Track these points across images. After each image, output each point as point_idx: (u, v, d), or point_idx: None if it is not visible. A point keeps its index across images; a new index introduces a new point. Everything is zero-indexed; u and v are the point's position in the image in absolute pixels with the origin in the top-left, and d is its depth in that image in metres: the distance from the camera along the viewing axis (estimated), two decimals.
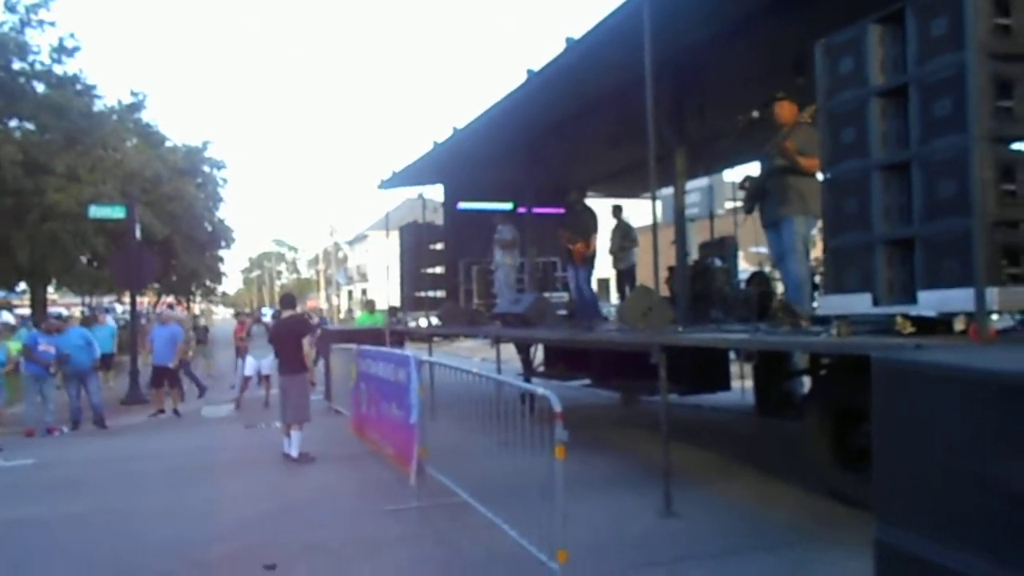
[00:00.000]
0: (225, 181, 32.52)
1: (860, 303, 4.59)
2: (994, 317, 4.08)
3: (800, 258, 6.29)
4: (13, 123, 18.67)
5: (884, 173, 4.53)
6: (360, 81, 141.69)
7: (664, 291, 9.26)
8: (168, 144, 27.54)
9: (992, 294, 3.89)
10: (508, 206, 13.29)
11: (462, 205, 14.23)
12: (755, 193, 6.63)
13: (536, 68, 7.89)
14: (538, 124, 9.89)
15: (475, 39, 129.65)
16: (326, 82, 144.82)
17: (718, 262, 9.31)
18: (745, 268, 12.06)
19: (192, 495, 7.19)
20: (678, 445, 6.31)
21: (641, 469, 7.19)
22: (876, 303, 4.52)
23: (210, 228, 31.54)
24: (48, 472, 8.72)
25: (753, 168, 7.25)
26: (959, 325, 4.19)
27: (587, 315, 9.64)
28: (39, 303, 23.51)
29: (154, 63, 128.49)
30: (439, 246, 14.19)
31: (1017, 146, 4.30)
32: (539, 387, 4.72)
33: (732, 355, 10.53)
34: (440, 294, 14.05)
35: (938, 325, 4.35)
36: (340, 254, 62.53)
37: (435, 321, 13.31)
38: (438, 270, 14.24)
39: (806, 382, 7.49)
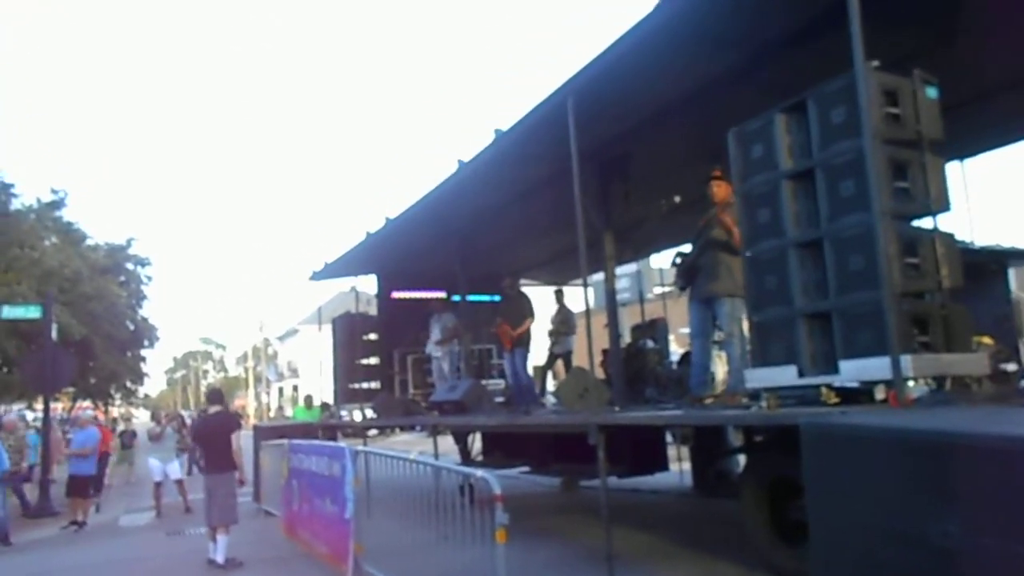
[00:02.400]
0: (150, 279, 31.66)
1: (786, 375, 4.76)
2: (910, 384, 4.29)
3: (736, 340, 6.48)
4: None
5: (799, 250, 4.80)
6: (289, 172, 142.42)
7: (600, 373, 9.37)
8: (90, 242, 26.85)
9: (907, 361, 4.10)
10: (442, 294, 13.36)
11: (396, 295, 14.24)
12: (687, 270, 6.87)
13: (466, 158, 8.14)
14: (470, 212, 10.10)
15: (407, 128, 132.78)
16: (253, 174, 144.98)
17: (650, 343, 9.53)
18: (676, 350, 12.36)
19: None
20: (620, 529, 6.27)
21: (584, 555, 7.06)
22: (801, 374, 4.70)
23: (132, 327, 30.47)
24: None
25: (684, 249, 7.52)
26: (879, 395, 4.39)
27: (524, 400, 9.64)
28: None
29: (76, 161, 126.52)
30: (373, 336, 14.06)
31: (917, 223, 4.66)
32: (477, 470, 4.66)
33: (669, 438, 10.66)
34: (375, 385, 13.83)
35: (861, 395, 4.54)
36: (270, 350, 61.10)
37: (370, 414, 13.04)
38: (372, 361, 14.06)
39: (742, 460, 7.61)
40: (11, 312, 14.74)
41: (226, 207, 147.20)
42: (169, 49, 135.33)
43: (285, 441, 9.43)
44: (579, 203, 6.36)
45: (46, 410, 15.77)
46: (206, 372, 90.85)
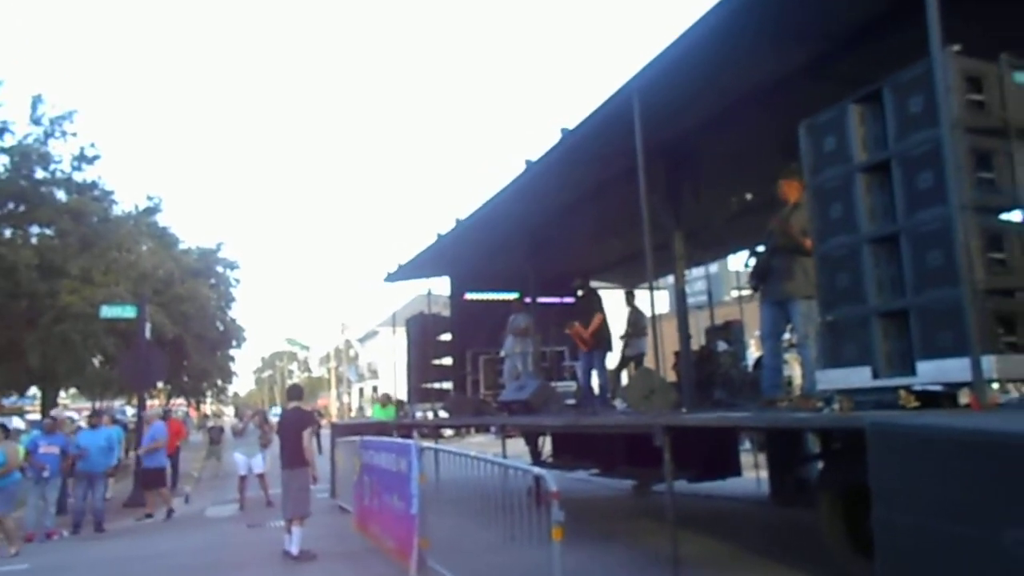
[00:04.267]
0: (238, 281, 33.02)
1: (859, 376, 4.55)
2: (995, 386, 4.03)
3: (811, 343, 6.24)
4: (33, 229, 19.24)
5: (874, 246, 4.58)
6: (369, 177, 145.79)
7: (671, 376, 9.19)
8: (182, 246, 28.21)
9: (990, 362, 3.86)
10: (514, 295, 13.40)
11: (468, 296, 14.37)
12: (760, 271, 6.67)
13: (534, 158, 8.14)
14: (539, 213, 10.10)
15: (478, 129, 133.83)
16: (336, 179, 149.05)
17: (724, 346, 9.29)
18: (754, 353, 12.00)
19: None
20: (690, 535, 6.13)
21: (650, 560, 6.94)
22: (876, 376, 4.48)
23: (222, 328, 31.79)
24: None
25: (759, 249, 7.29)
26: (964, 398, 4.14)
27: (596, 402, 9.54)
28: (49, 407, 23.50)
29: (170, 169, 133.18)
30: (446, 337, 14.23)
31: (1005, 216, 4.38)
32: (536, 468, 4.64)
33: (747, 444, 10.35)
34: (447, 385, 14.00)
35: (943, 399, 4.29)
36: (351, 352, 62.67)
37: (442, 413, 13.20)
38: (445, 361, 14.24)
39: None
40: (109, 311, 15.65)
41: (310, 211, 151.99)
42: (253, 60, 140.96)
43: (357, 438, 9.63)
44: (645, 202, 6.27)
45: (140, 405, 16.63)
46: (291, 372, 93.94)
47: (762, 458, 9.92)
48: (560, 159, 7.85)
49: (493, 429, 19.49)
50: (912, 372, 4.27)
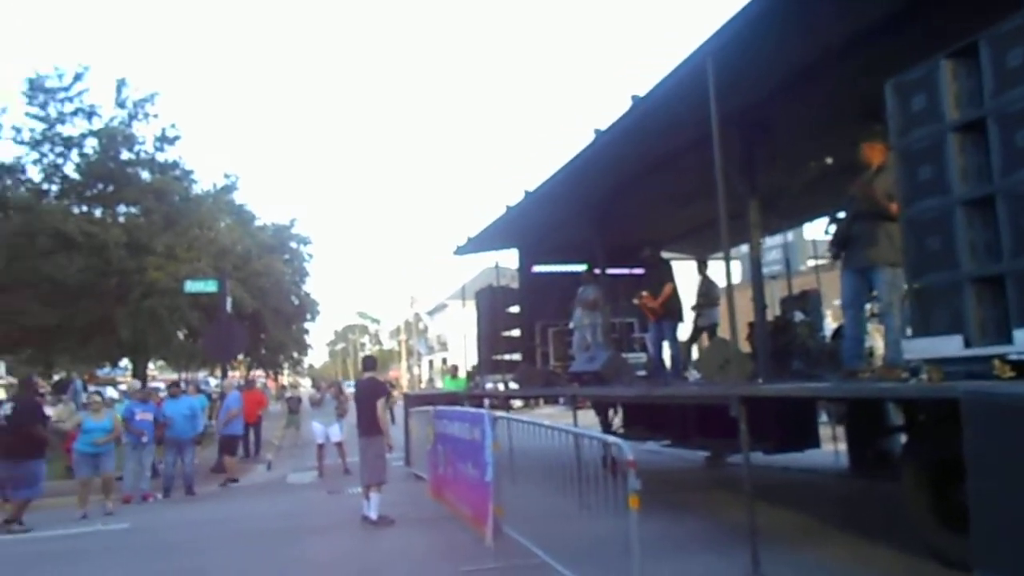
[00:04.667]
0: (311, 256, 33.92)
1: (950, 345, 4.37)
2: None
3: (895, 311, 6.02)
4: (121, 208, 20.15)
5: (967, 209, 4.36)
6: (440, 150, 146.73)
7: (745, 347, 9.02)
8: (258, 223, 29.07)
9: None
10: (582, 267, 13.34)
11: (536, 268, 14.38)
12: (841, 238, 6.44)
13: (602, 127, 8.03)
14: (607, 184, 9.98)
15: (549, 100, 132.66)
16: (407, 152, 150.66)
17: (800, 316, 9.04)
18: (831, 324, 11.65)
19: (277, 557, 7.29)
20: (766, 506, 6.05)
21: (726, 531, 6.87)
22: (968, 345, 4.29)
23: (297, 302, 32.77)
24: (140, 536, 9.02)
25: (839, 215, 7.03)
26: None
27: (670, 372, 9.45)
28: (140, 378, 24.73)
29: (244, 146, 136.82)
30: (515, 309, 14.30)
31: None
32: (611, 436, 4.63)
33: (824, 417, 10.10)
34: (516, 357, 14.09)
35: None
36: (420, 324, 63.68)
37: (512, 384, 13.32)
38: (514, 333, 14.32)
39: (903, 440, 7.09)
40: (193, 286, 16.34)
41: (380, 186, 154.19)
42: (323, 35, 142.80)
43: (430, 408, 9.81)
44: (720, 170, 6.10)
45: (223, 376, 17.39)
46: (363, 345, 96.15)
47: (839, 430, 9.69)
48: (630, 128, 7.71)
49: (561, 400, 19.55)
50: (1008, 341, 4.07)
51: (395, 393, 27.58)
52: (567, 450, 5.63)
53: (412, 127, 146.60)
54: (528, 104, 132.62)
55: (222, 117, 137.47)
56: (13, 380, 34.00)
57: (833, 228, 6.58)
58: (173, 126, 20.83)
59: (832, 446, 9.59)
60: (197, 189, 23.63)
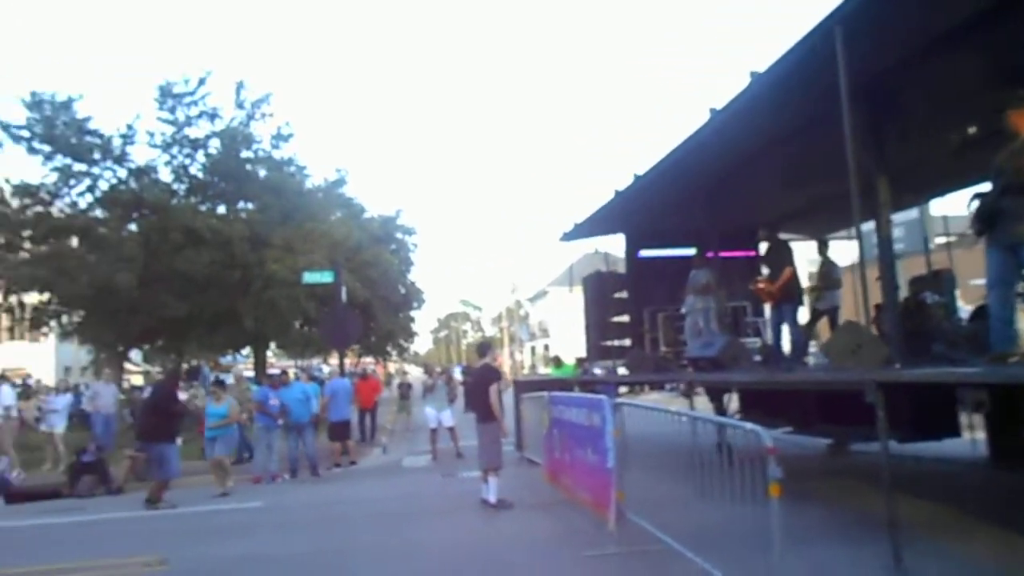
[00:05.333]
0: (416, 246, 34.80)
1: None
2: None
3: None
4: (241, 204, 21.27)
5: None
6: (541, 138, 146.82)
7: (872, 331, 8.59)
8: (366, 215, 30.01)
9: None
10: (692, 251, 13.06)
11: (644, 253, 14.19)
12: (987, 213, 6.00)
13: (718, 106, 7.80)
14: (722, 164, 9.70)
15: (657, 81, 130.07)
16: (509, 140, 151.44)
17: (933, 297, 8.52)
18: (963, 306, 10.96)
19: (400, 537, 7.54)
20: (903, 497, 5.74)
21: (858, 521, 6.60)
22: None
23: (403, 290, 33.71)
24: (273, 514, 9.52)
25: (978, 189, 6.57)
26: None
27: (786, 358, 9.13)
28: (260, 365, 26.09)
29: (352, 141, 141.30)
30: (623, 294, 14.17)
31: None
32: (746, 423, 4.52)
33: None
34: (626, 342, 13.97)
35: None
36: (522, 311, 64.17)
37: (622, 370, 13.22)
38: (623, 319, 14.19)
39: None
40: (311, 277, 17.07)
41: (483, 174, 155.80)
42: (423, 26, 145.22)
43: (545, 394, 9.86)
44: (850, 144, 5.81)
45: (340, 364, 18.10)
46: (465, 332, 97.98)
47: (975, 419, 9.10)
48: (748, 105, 7.45)
49: (668, 386, 19.28)
50: None
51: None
52: (684, 435, 5.55)
53: (517, 114, 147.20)
54: (638, 88, 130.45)
55: (330, 112, 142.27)
56: (149, 368, 36.61)
57: (976, 203, 6.14)
58: (287, 124, 21.84)
59: (968, 435, 9.02)
60: (309, 184, 24.62)
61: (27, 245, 19.08)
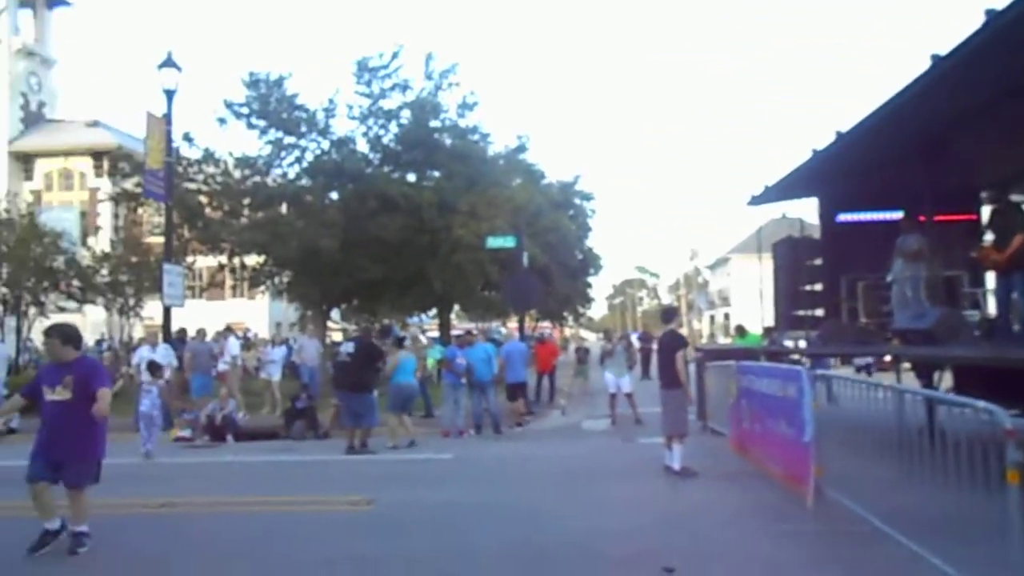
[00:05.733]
0: (593, 212, 34.69)
1: None
2: None
3: None
4: (429, 172, 22.22)
5: None
6: (726, 99, 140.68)
7: None
8: (545, 181, 30.28)
9: None
10: (899, 215, 11.97)
11: (842, 217, 13.21)
12: None
13: (942, 53, 7.00)
14: (940, 118, 8.74)
15: (866, 31, 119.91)
16: (692, 104, 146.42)
17: None
18: None
19: (584, 496, 7.67)
20: None
21: None
22: None
23: (580, 256, 33.85)
24: (463, 466, 10.02)
25: None
26: None
27: (1020, 331, 8.15)
28: (445, 326, 27.39)
29: (531, 109, 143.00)
30: (817, 262, 13.31)
31: None
32: (979, 401, 4.11)
33: None
34: (819, 312, 13.15)
35: None
36: (700, 279, 62.39)
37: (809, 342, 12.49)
38: (816, 287, 13.36)
39: None
40: (494, 242, 17.64)
41: (661, 139, 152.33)
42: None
43: (732, 363, 9.55)
44: None
45: (521, 327, 18.65)
46: (641, 299, 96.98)
47: None
48: (979, 50, 6.63)
49: (858, 361, 17.94)
50: None
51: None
52: (889, 411, 5.14)
53: (702, 74, 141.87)
54: (842, 39, 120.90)
55: (512, 79, 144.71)
56: (346, 326, 39.71)
57: None
58: (472, 93, 22.34)
59: None
60: (492, 151, 25.19)
61: (247, 212, 21.16)
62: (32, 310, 22.74)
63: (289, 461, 10.85)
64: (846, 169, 11.18)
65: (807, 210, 17.58)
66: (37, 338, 28.13)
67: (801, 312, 13.18)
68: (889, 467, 5.32)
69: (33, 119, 45.06)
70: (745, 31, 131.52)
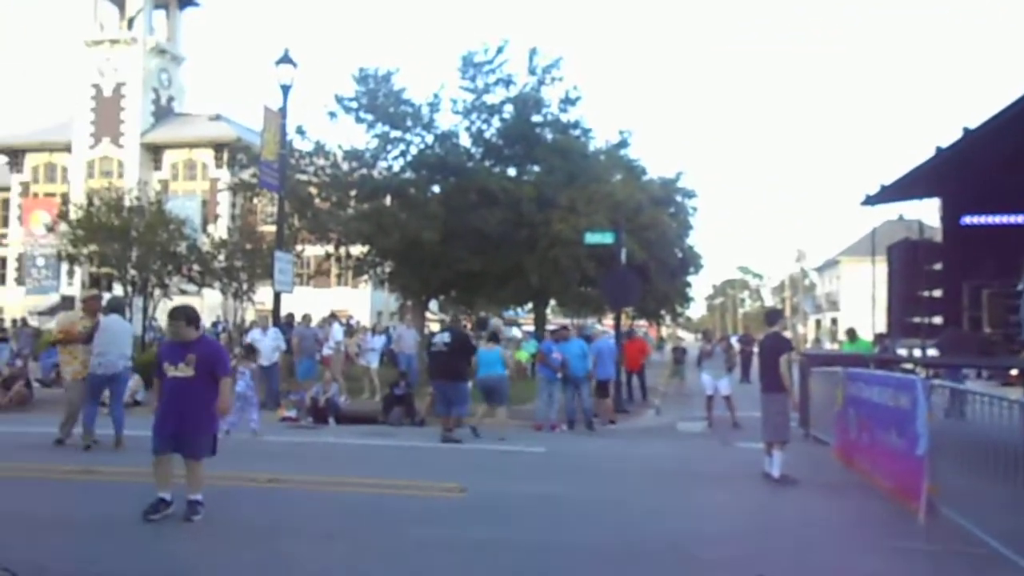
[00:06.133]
0: (695, 209, 33.80)
1: None
2: None
3: None
4: (530, 166, 22.32)
5: None
6: (836, 95, 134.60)
7: None
8: (646, 177, 29.78)
9: None
10: None
11: (967, 220, 12.38)
12: None
13: None
14: None
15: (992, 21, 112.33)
16: (800, 100, 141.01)
17: None
18: None
19: (679, 498, 7.55)
20: None
21: None
22: None
23: (680, 254, 33.06)
24: (556, 460, 10.04)
25: None
26: None
27: None
28: (540, 320, 27.48)
29: (633, 103, 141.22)
30: (937, 266, 12.54)
31: None
32: None
33: None
34: (937, 320, 12.39)
35: None
36: (807, 281, 60.00)
37: (931, 352, 11.78)
38: (935, 294, 12.59)
39: None
40: (592, 238, 17.50)
41: (768, 135, 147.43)
42: None
43: (839, 369, 9.17)
44: None
45: (617, 324, 18.40)
46: (742, 300, 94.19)
47: None
48: None
49: (986, 374, 16.75)
50: None
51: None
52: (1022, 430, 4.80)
53: (812, 69, 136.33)
54: (963, 34, 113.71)
55: (614, 73, 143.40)
56: (443, 316, 40.54)
57: None
58: (575, 88, 22.25)
59: None
60: (593, 146, 25.01)
61: (353, 203, 21.89)
62: (157, 292, 24.40)
63: (386, 445, 11.18)
64: (973, 168, 10.49)
65: (926, 211, 16.58)
66: (160, 318, 30.35)
67: (917, 319, 12.45)
68: (1011, 486, 4.97)
69: (162, 113, 48.23)
70: (863, 22, 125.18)
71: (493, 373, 12.10)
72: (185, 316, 6.21)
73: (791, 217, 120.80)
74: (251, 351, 12.43)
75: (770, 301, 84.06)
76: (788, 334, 50.80)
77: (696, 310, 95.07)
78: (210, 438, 6.19)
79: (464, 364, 11.68)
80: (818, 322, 57.38)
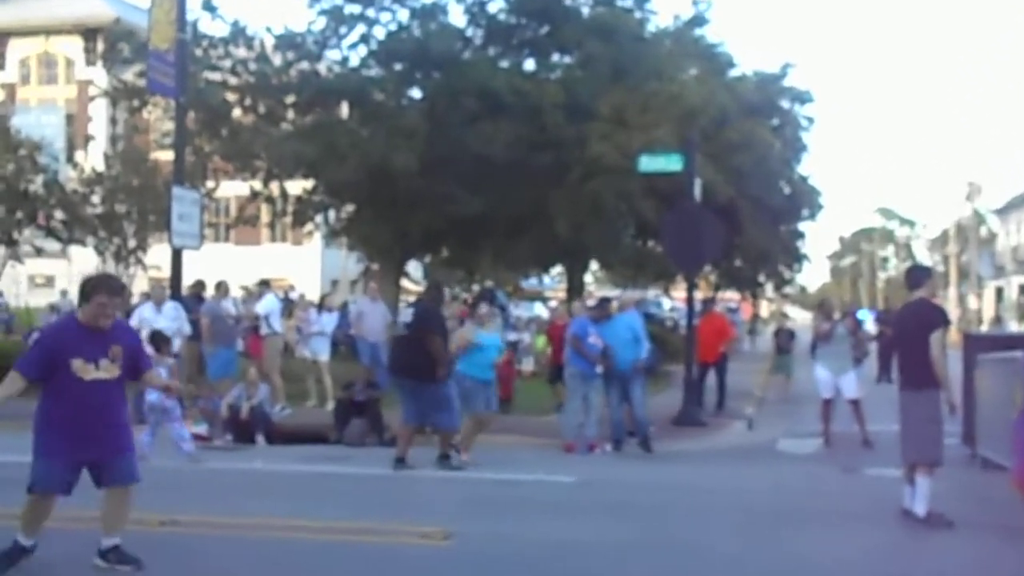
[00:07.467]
0: (811, 122, 33.41)
1: None
2: None
3: None
4: (556, 56, 22.18)
5: None
6: None
7: None
8: (735, 72, 29.47)
9: None
10: None
11: None
12: None
13: None
14: None
15: None
16: None
17: None
18: None
19: (774, 548, 7.58)
20: None
21: None
22: None
23: (787, 190, 32.67)
24: (589, 494, 10.15)
25: None
26: None
27: None
28: (577, 289, 27.30)
29: None
30: None
31: None
32: None
33: None
34: None
35: None
36: (983, 230, 59.56)
37: None
38: None
39: None
40: (650, 164, 17.21)
41: (919, 19, 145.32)
42: None
43: (1019, 354, 9.13)
44: None
45: (689, 293, 18.13)
46: (885, 260, 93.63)
47: None
48: None
49: None
50: None
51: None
52: None
53: None
54: None
55: None
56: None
57: None
58: None
59: None
60: (653, 26, 24.80)
61: (290, 115, 21.89)
62: (1, 250, 24.57)
63: (340, 474, 11.27)
64: None
65: None
66: (8, 291, 30.52)
67: None
68: None
69: None
70: None
71: (479, 376, 11.95)
72: (119, 289, 6.43)
73: (958, 137, 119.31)
74: (162, 340, 12.42)
75: (927, 260, 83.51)
76: (952, 309, 50.42)
77: (814, 276, 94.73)
78: (134, 455, 6.50)
79: (430, 355, 10.95)
80: (999, 291, 56.97)
